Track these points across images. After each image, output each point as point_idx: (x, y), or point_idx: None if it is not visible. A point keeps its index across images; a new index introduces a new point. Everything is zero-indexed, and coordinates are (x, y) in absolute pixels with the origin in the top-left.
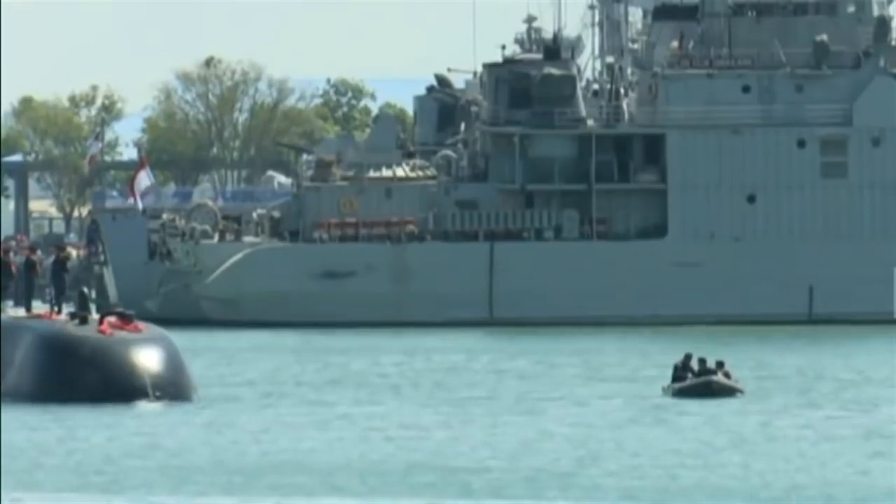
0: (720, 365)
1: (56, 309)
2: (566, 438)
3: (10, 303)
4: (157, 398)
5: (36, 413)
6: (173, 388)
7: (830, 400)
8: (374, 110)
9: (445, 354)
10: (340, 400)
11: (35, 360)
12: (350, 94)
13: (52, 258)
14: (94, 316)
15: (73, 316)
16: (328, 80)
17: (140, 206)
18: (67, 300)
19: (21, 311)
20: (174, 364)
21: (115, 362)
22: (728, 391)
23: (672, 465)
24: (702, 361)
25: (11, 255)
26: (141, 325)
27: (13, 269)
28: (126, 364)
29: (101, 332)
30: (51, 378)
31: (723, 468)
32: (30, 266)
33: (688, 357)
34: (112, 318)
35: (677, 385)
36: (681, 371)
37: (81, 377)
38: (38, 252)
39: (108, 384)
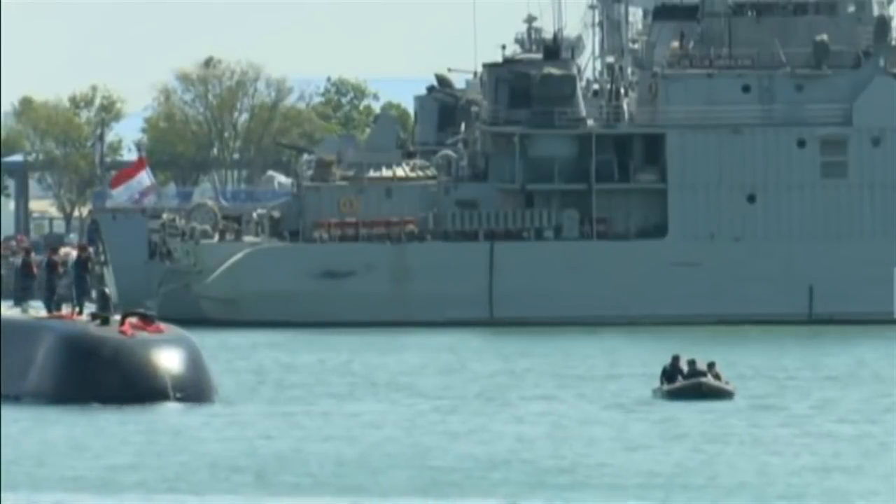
0: (711, 366)
1: (78, 309)
2: (559, 439)
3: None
4: (178, 399)
5: (55, 413)
6: (194, 388)
7: (829, 400)
8: (377, 110)
9: (445, 354)
10: (341, 399)
11: (56, 361)
12: (351, 95)
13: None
14: (115, 316)
15: (94, 317)
16: (329, 79)
17: (126, 197)
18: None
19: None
20: (195, 365)
21: (137, 363)
22: (718, 393)
23: (659, 466)
24: (691, 363)
25: (33, 255)
26: (162, 325)
27: (34, 269)
28: (147, 365)
29: (123, 332)
30: (72, 379)
31: (710, 469)
32: (51, 266)
33: (675, 358)
34: (133, 319)
35: (667, 387)
36: (670, 373)
37: (102, 378)
38: (61, 252)
39: (129, 385)
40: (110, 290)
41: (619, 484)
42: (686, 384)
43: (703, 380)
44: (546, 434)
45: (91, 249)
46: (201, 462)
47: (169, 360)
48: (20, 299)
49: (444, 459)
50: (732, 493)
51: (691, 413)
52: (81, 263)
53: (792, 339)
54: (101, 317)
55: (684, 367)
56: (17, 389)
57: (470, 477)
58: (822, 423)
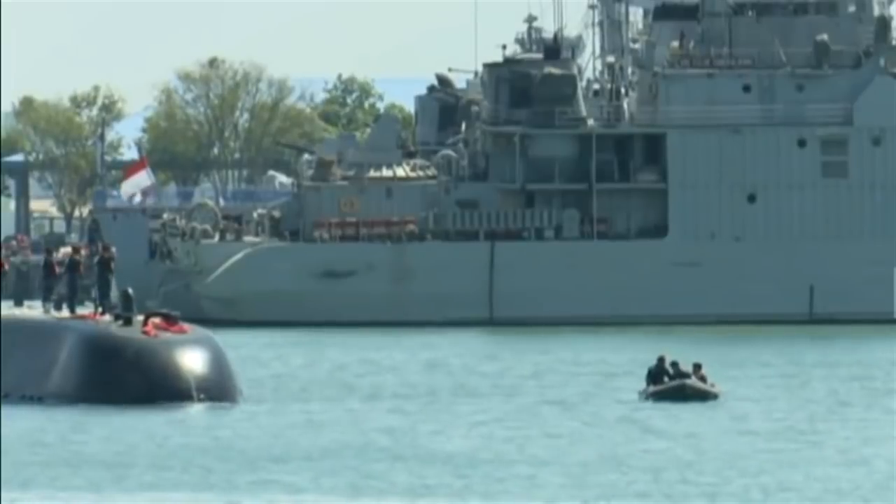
0: (697, 367)
1: (100, 310)
2: (554, 438)
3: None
4: (202, 400)
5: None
6: (218, 389)
7: (829, 401)
8: (381, 110)
9: (445, 354)
10: (340, 398)
11: (79, 362)
12: (357, 93)
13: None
14: (139, 317)
15: (117, 317)
16: (339, 77)
17: (136, 199)
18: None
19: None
20: (219, 365)
21: (160, 364)
22: (702, 395)
23: (650, 467)
24: (674, 364)
25: (54, 255)
26: (186, 326)
27: (56, 269)
28: (170, 366)
29: (146, 333)
30: (95, 380)
31: (703, 471)
32: (73, 266)
33: (661, 360)
34: (156, 320)
35: (652, 388)
36: (656, 374)
37: (125, 379)
38: (82, 252)
39: (153, 386)
40: (112, 290)
41: (602, 483)
42: (670, 386)
43: (688, 381)
44: (540, 434)
45: (114, 249)
46: (193, 460)
47: (192, 360)
48: (43, 299)
49: (441, 458)
50: (719, 494)
51: (676, 414)
52: (104, 263)
53: (792, 339)
54: (124, 317)
55: (670, 368)
56: (40, 391)
57: (465, 476)
58: (815, 424)
